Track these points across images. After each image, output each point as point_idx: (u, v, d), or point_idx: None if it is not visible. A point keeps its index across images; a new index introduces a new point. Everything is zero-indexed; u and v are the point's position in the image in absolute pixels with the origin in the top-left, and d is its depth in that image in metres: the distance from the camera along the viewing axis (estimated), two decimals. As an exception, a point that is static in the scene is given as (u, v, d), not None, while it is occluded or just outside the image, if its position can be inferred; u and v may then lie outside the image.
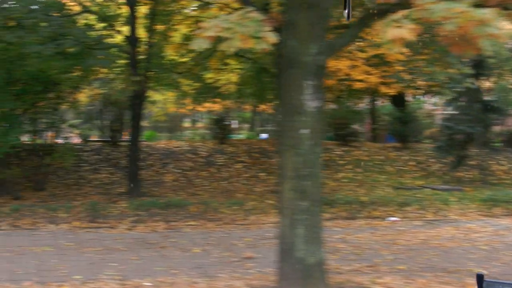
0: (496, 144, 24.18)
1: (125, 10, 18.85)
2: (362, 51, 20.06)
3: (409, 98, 29.71)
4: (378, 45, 18.47)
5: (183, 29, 20.06)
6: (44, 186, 18.35)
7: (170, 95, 28.28)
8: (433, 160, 23.58)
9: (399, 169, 22.60)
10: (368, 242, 12.85)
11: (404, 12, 7.43)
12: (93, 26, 17.70)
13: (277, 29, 8.07)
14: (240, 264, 10.90)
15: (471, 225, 15.02)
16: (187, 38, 19.87)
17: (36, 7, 15.56)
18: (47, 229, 13.78)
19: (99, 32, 17.33)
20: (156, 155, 21.66)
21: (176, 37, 20.23)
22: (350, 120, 25.99)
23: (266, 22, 7.97)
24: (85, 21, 18.05)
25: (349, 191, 18.90)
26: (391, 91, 23.85)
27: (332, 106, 26.29)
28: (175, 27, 19.75)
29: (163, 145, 23.27)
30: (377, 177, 21.53)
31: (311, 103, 8.36)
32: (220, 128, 24.85)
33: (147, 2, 18.80)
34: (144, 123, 20.77)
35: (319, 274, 8.56)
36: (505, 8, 7.49)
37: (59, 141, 19.29)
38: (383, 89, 23.33)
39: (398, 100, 27.54)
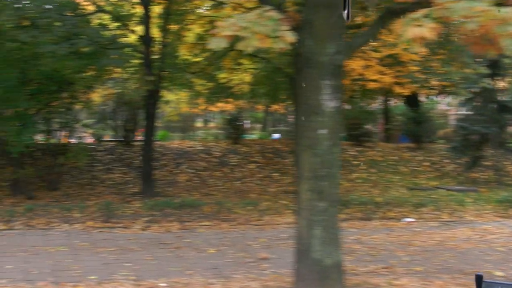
0: (511, 145, 24.01)
1: (139, 9, 18.82)
2: (376, 51, 19.96)
3: (422, 98, 29.55)
4: (394, 45, 18.39)
5: (196, 29, 20.04)
6: (58, 185, 18.34)
7: (182, 95, 28.28)
8: (447, 160, 23.44)
9: (413, 170, 22.48)
10: (383, 243, 12.75)
11: (424, 11, 7.34)
12: (107, 26, 17.67)
13: (294, 29, 8.00)
14: (255, 265, 10.83)
15: (487, 226, 14.90)
16: (201, 37, 19.86)
17: (50, 6, 15.54)
18: (61, 229, 13.74)
19: (113, 32, 17.31)
20: (169, 155, 21.62)
21: (190, 37, 20.20)
22: (364, 120, 25.88)
23: (283, 21, 7.91)
24: (99, 21, 18.03)
25: (364, 192, 18.80)
26: (405, 91, 23.71)
27: (345, 106, 26.19)
28: (189, 26, 19.71)
29: (177, 145, 23.24)
30: (391, 178, 21.42)
31: (329, 103, 8.29)
32: (233, 128, 24.78)
33: (161, 1, 18.77)
34: (157, 123, 20.66)
35: (336, 276, 8.49)
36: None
37: (73, 141, 19.24)
38: (397, 89, 23.20)
39: (412, 100, 27.41)
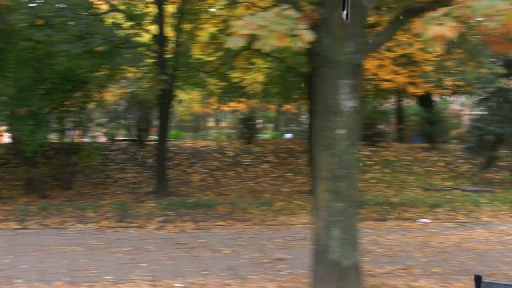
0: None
1: (152, 9, 18.79)
2: (390, 50, 19.85)
3: (436, 98, 29.41)
4: (409, 44, 18.29)
5: (209, 28, 20.00)
6: (71, 185, 18.34)
7: (195, 94, 28.28)
8: (462, 161, 23.30)
9: (427, 170, 22.37)
10: (400, 244, 12.64)
11: (444, 9, 7.26)
12: (121, 25, 17.65)
13: (312, 27, 7.93)
14: (271, 266, 10.75)
15: (503, 227, 14.77)
16: (214, 37, 19.84)
17: (64, 5, 15.53)
18: (76, 229, 13.71)
19: (127, 31, 17.28)
20: (182, 155, 21.59)
21: (203, 36, 20.17)
22: (377, 120, 25.76)
23: (301, 20, 7.84)
24: (112, 20, 18.01)
25: (378, 192, 18.69)
26: (419, 91, 23.64)
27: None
28: (202, 26, 19.68)
29: (190, 145, 23.20)
30: (406, 178, 21.31)
31: (347, 103, 8.20)
32: (247, 128, 24.72)
33: (175, 0, 18.73)
34: (170, 122, 20.61)
35: (354, 277, 8.40)
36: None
37: (86, 140, 19.22)
38: (411, 89, 23.13)
39: (425, 100, 27.29)
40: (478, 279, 3.94)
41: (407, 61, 21.73)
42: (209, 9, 19.87)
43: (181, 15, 18.36)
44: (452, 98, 34.02)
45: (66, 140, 18.94)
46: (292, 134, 34.10)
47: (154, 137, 22.42)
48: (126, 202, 15.92)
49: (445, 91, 26.72)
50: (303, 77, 19.91)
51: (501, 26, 6.79)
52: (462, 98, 34.17)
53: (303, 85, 22.13)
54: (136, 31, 17.98)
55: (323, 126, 8.35)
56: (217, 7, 19.96)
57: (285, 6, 7.79)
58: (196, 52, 20.19)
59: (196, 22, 19.15)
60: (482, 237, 13.51)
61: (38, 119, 16.77)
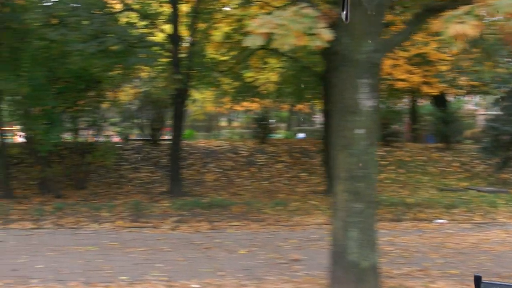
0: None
1: (166, 8, 18.75)
2: (404, 50, 19.76)
3: (450, 98, 29.24)
4: (425, 44, 18.18)
5: (224, 28, 19.97)
6: (85, 184, 18.32)
7: (208, 94, 28.26)
8: (477, 161, 23.12)
9: (442, 170, 22.20)
10: (416, 245, 12.54)
11: (465, 8, 7.18)
12: (135, 24, 17.62)
13: (330, 26, 7.86)
14: (287, 267, 10.68)
15: (521, 228, 14.65)
16: (228, 36, 19.80)
17: (78, 5, 15.51)
18: (90, 228, 13.68)
19: (141, 30, 17.24)
20: (196, 154, 21.54)
21: (217, 35, 20.13)
22: (391, 120, 25.61)
23: (319, 19, 7.77)
24: (126, 19, 17.98)
25: (393, 192, 18.57)
26: (434, 91, 23.52)
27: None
28: (216, 25, 19.64)
29: (203, 144, 23.15)
30: (420, 178, 21.16)
31: (366, 102, 8.12)
32: (260, 128, 24.64)
33: (190, 0, 18.70)
34: (184, 122, 20.52)
35: (373, 279, 8.32)
36: None
37: (100, 139, 19.19)
38: (425, 89, 23.04)
39: (439, 100, 27.13)
40: (477, 280, 3.96)
41: (421, 61, 21.65)
42: (223, 9, 19.84)
43: (195, 14, 18.29)
44: (466, 98, 33.82)
45: (80, 139, 18.91)
46: (305, 134, 34.01)
47: (167, 137, 22.40)
48: (140, 202, 15.88)
49: (460, 91, 26.58)
50: (318, 76, 19.83)
51: (522, 25, 6.72)
52: (476, 98, 33.98)
53: (318, 85, 22.08)
54: (150, 30, 17.94)
55: (341, 125, 8.27)
56: (231, 7, 19.92)
57: (303, 4, 7.73)
58: (210, 52, 20.16)
59: (210, 21, 19.12)
60: (499, 238, 13.39)
61: (52, 118, 16.77)
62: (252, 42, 7.73)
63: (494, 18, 7.50)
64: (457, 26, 6.96)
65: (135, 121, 22.69)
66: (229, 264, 10.78)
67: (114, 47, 15.32)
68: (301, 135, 33.27)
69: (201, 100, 30.10)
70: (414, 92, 26.52)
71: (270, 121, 26.53)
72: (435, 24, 7.63)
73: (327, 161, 18.87)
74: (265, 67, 22.75)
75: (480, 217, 15.75)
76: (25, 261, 10.64)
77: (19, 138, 20.03)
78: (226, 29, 20.04)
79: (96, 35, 15.03)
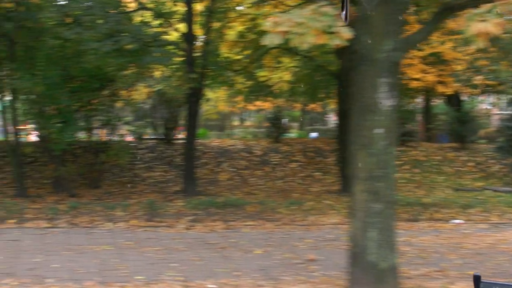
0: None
1: (180, 7, 18.71)
2: (419, 49, 19.65)
3: (464, 97, 29.08)
4: (441, 43, 18.07)
5: (237, 27, 19.94)
6: (99, 183, 18.30)
7: (221, 93, 28.24)
8: (492, 161, 22.94)
9: (457, 170, 22.04)
10: (433, 245, 12.43)
11: (487, 6, 7.10)
12: (149, 23, 17.59)
13: (350, 24, 7.79)
14: (303, 267, 10.61)
15: (538, 229, 14.50)
16: (242, 35, 19.77)
17: (92, 4, 15.50)
18: (105, 228, 13.61)
19: (155, 29, 17.21)
20: (210, 154, 21.48)
21: (230, 34, 20.11)
22: (405, 119, 25.45)
23: (339, 17, 7.71)
24: (140, 18, 17.97)
25: (408, 192, 18.45)
26: (448, 90, 23.40)
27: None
28: (230, 24, 19.61)
29: (217, 143, 23.09)
30: (435, 178, 21.03)
31: (385, 102, 8.04)
32: (274, 127, 24.57)
33: (204, -2, 18.71)
34: (198, 121, 20.44)
35: (392, 280, 8.25)
36: None
37: (114, 138, 19.16)
38: (440, 88, 22.92)
39: (454, 100, 26.98)
40: (477, 279, 3.90)
41: (436, 60, 21.54)
42: (236, 8, 19.81)
43: (210, 13, 18.24)
44: (480, 98, 33.63)
45: (94, 138, 18.89)
46: (318, 133, 33.93)
47: (181, 136, 22.35)
48: (154, 201, 15.84)
49: (474, 90, 26.43)
50: (333, 75, 19.75)
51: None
52: (491, 98, 33.79)
53: (331, 84, 22.01)
54: (164, 29, 17.91)
55: (360, 125, 8.20)
56: (244, 6, 19.89)
57: (322, 2, 7.65)
58: (224, 51, 20.13)
59: (224, 20, 19.09)
60: (517, 238, 13.27)
61: (67, 117, 16.76)
62: (270, 40, 7.67)
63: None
64: (480, 24, 6.89)
65: (149, 120, 22.65)
66: (245, 264, 10.72)
67: (129, 46, 15.31)
68: (314, 135, 33.18)
69: (214, 99, 30.09)
70: (428, 92, 26.39)
71: (284, 120, 26.42)
72: (457, 22, 7.56)
73: (341, 161, 18.80)
74: (278, 66, 22.71)
75: (497, 217, 15.59)
76: (41, 260, 10.61)
77: (33, 137, 20.03)
78: (240, 28, 20.01)
79: (111, 34, 15.04)
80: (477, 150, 24.00)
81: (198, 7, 18.97)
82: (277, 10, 17.64)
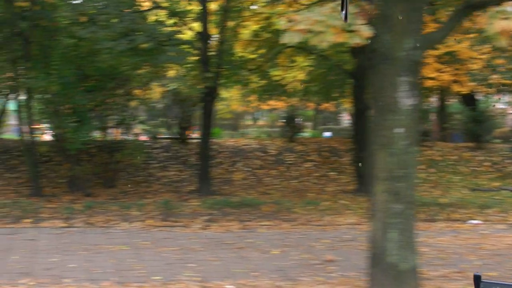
0: None
1: (195, 6, 18.66)
2: (434, 48, 19.48)
3: (479, 96, 28.88)
4: (458, 42, 17.93)
5: (252, 26, 19.86)
6: (114, 183, 18.26)
7: (234, 92, 28.19)
8: (509, 160, 22.76)
9: (473, 170, 21.86)
10: (451, 246, 12.32)
11: (510, 3, 7.00)
12: (164, 22, 17.54)
13: (369, 23, 7.72)
14: (321, 267, 10.53)
15: (557, 229, 14.35)
16: (256, 34, 19.70)
17: (107, 3, 15.49)
18: (121, 227, 13.57)
19: (170, 28, 17.16)
20: (225, 153, 21.40)
21: (245, 33, 20.03)
22: (420, 119, 25.29)
23: (358, 15, 7.63)
24: (155, 17, 17.93)
25: (424, 192, 18.29)
26: (464, 90, 23.23)
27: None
28: (244, 23, 19.54)
29: (231, 143, 23.01)
30: (451, 178, 20.86)
31: (406, 101, 7.93)
32: (289, 126, 24.48)
33: (219, -3, 18.65)
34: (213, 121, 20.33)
35: (412, 281, 8.14)
36: None
37: (128, 137, 19.13)
38: (456, 88, 22.76)
39: (469, 99, 26.79)
40: (477, 279, 3.92)
41: (451, 59, 21.38)
42: (251, 7, 19.74)
43: (225, 12, 18.17)
44: (496, 97, 33.38)
45: (109, 138, 18.86)
46: (331, 132, 33.84)
47: (195, 135, 22.31)
48: (170, 201, 15.79)
49: (490, 89, 26.25)
50: (348, 74, 19.64)
51: None
52: (506, 97, 33.53)
53: (345, 83, 21.91)
54: (178, 28, 17.85)
55: (381, 124, 8.09)
56: (258, 5, 19.81)
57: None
58: (238, 50, 20.06)
59: (238, 19, 19.02)
60: (537, 239, 13.13)
61: (81, 116, 16.74)
62: (290, 38, 7.62)
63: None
64: (502, 22, 6.80)
65: (163, 119, 22.61)
66: (262, 264, 10.65)
67: (144, 45, 15.29)
68: (327, 134, 33.10)
69: (227, 98, 30.03)
70: (442, 91, 26.23)
71: (298, 119, 26.30)
72: (478, 21, 7.46)
73: (356, 160, 18.71)
74: (292, 66, 22.61)
75: (515, 218, 15.47)
76: (58, 260, 10.58)
77: (46, 136, 20.03)
78: (254, 27, 19.93)
79: (125, 33, 15.01)
80: (493, 149, 23.81)
81: (213, 6, 18.91)
82: (291, 9, 17.55)
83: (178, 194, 17.33)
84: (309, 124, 38.02)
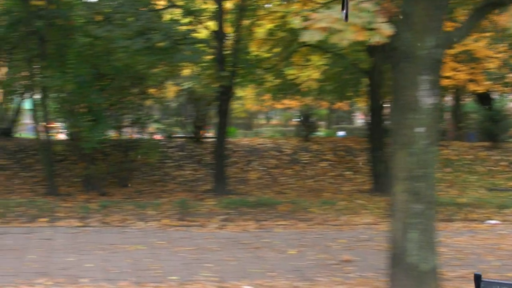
0: None
1: (210, 4, 18.61)
2: (449, 47, 19.33)
3: (494, 95, 28.68)
4: (475, 40, 17.78)
5: (266, 25, 19.78)
6: (129, 182, 18.20)
7: (249, 91, 28.10)
8: (526, 160, 22.59)
9: (489, 169, 21.67)
10: (469, 247, 12.22)
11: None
12: (179, 21, 17.49)
13: (390, 21, 7.64)
14: (338, 268, 10.47)
15: None
16: (271, 33, 19.61)
17: (122, 1, 15.47)
18: (137, 227, 13.53)
19: (185, 27, 17.11)
20: (240, 152, 21.30)
21: (260, 32, 19.96)
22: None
23: (379, 13, 7.56)
24: (170, 16, 17.89)
25: (440, 192, 18.08)
26: (480, 89, 23.06)
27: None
28: (259, 22, 19.46)
29: (246, 142, 22.94)
30: (468, 178, 20.69)
31: (427, 100, 7.85)
32: (304, 125, 24.39)
33: (234, -4, 18.58)
34: (228, 120, 20.22)
35: (433, 282, 8.09)
36: None
37: (143, 136, 19.09)
38: (472, 87, 22.61)
39: (484, 98, 26.60)
40: (477, 278, 3.93)
41: (467, 58, 21.24)
42: (265, 5, 19.66)
43: (241, 10, 18.10)
44: (511, 96, 33.14)
45: (124, 137, 18.83)
46: (345, 131, 33.73)
47: (210, 134, 22.25)
48: (186, 200, 15.73)
49: (506, 88, 26.07)
50: (364, 73, 19.53)
51: None
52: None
53: (359, 83, 21.80)
54: (194, 27, 17.80)
55: (401, 123, 8.02)
56: (273, 3, 19.74)
57: (360, -2, 7.51)
58: (253, 49, 19.99)
59: (254, 18, 18.95)
60: (556, 240, 13.00)
61: (97, 115, 16.71)
62: (310, 37, 7.57)
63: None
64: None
65: (178, 118, 22.55)
66: (279, 264, 10.60)
67: (160, 44, 15.25)
68: (341, 133, 32.99)
69: (242, 97, 29.95)
70: (458, 90, 26.07)
71: (313, 119, 26.18)
72: (498, 18, 7.36)
73: (372, 160, 18.60)
74: (307, 65, 22.50)
75: (533, 218, 15.33)
76: (74, 259, 10.56)
77: (62, 135, 20.02)
78: (269, 26, 19.84)
79: (141, 31, 14.97)
80: (509, 149, 23.58)
81: (228, 4, 18.85)
82: (306, 7, 17.44)
83: (193, 194, 17.25)
84: (322, 123, 37.90)
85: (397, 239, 8.08)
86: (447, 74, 20.65)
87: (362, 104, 27.51)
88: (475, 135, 26.16)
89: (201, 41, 17.30)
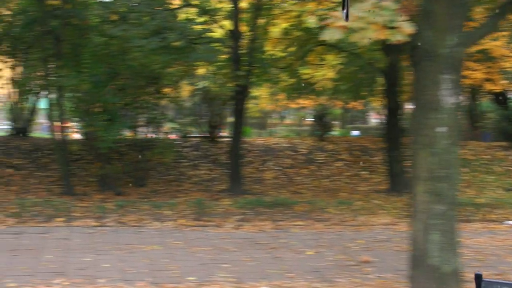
0: None
1: (225, 4, 18.55)
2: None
3: (511, 95, 28.46)
4: (493, 39, 17.65)
5: (282, 24, 19.72)
6: (144, 182, 18.16)
7: (263, 91, 28.01)
8: (544, 160, 22.37)
9: (507, 169, 21.47)
10: (489, 247, 12.09)
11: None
12: (194, 20, 17.44)
13: (411, 19, 7.55)
14: (357, 268, 10.38)
15: None
16: (286, 32, 19.54)
17: (138, 1, 15.45)
18: (153, 227, 13.45)
19: (201, 26, 17.06)
20: (255, 152, 21.23)
21: (274, 32, 19.89)
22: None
23: (400, 12, 7.46)
24: (185, 15, 17.85)
25: (458, 192, 17.97)
26: (497, 88, 22.92)
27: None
28: (274, 21, 19.40)
29: (261, 142, 22.87)
30: (485, 178, 20.51)
31: (448, 99, 7.76)
32: (319, 125, 24.28)
33: (249, -5, 18.51)
34: (244, 119, 20.12)
35: (454, 284, 7.99)
36: None
37: (158, 136, 19.05)
38: (488, 86, 22.47)
39: (500, 97, 26.40)
40: (478, 278, 3.97)
41: (484, 57, 21.11)
42: (281, 4, 19.58)
43: (256, 10, 18.03)
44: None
45: (139, 136, 18.80)
46: (359, 131, 33.58)
47: (225, 134, 22.18)
48: (202, 200, 15.67)
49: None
50: (380, 73, 19.40)
51: None
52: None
53: (374, 82, 21.68)
54: (209, 26, 17.74)
55: (422, 123, 7.93)
56: (288, 3, 19.65)
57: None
58: (269, 48, 19.92)
59: (269, 17, 18.88)
60: None
61: (112, 115, 16.68)
62: (330, 35, 7.48)
63: None
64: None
65: (193, 118, 22.48)
66: (297, 265, 10.53)
67: (176, 43, 15.20)
68: (355, 133, 32.85)
69: (257, 97, 29.85)
70: (473, 89, 25.89)
71: (327, 118, 26.04)
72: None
73: (388, 159, 18.48)
74: (322, 64, 22.39)
75: (553, 219, 15.17)
76: (91, 259, 10.53)
77: (75, 135, 20.02)
78: (284, 25, 19.77)
79: (157, 31, 14.93)
80: (527, 149, 23.40)
81: (243, 3, 18.78)
82: (321, 6, 17.35)
83: (209, 193, 17.19)
84: (336, 123, 37.75)
85: (418, 240, 7.99)
86: (464, 73, 20.51)
87: (376, 103, 27.34)
88: (491, 135, 25.96)
89: (216, 40, 17.25)
